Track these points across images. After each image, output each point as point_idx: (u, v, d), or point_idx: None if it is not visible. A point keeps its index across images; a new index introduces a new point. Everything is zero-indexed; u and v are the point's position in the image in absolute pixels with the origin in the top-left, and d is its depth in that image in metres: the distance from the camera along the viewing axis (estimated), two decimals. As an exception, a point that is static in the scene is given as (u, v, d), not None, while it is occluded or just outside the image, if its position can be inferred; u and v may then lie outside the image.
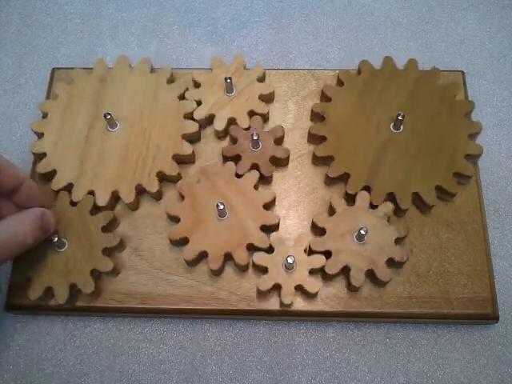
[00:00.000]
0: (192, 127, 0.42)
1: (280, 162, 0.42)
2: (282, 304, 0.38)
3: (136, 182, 0.40)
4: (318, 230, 0.40)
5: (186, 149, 0.42)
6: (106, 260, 0.38)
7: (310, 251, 0.39)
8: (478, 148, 0.41)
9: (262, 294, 0.38)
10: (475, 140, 0.42)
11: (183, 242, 0.39)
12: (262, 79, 0.45)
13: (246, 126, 0.42)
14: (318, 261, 0.38)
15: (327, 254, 0.38)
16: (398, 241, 0.38)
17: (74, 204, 0.40)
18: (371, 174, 0.40)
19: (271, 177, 0.42)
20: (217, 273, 0.39)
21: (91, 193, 0.40)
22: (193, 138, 0.43)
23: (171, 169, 0.41)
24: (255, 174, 0.40)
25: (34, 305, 0.38)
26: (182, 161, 0.42)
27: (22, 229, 0.33)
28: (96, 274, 0.38)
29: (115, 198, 0.41)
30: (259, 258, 0.38)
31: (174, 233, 0.39)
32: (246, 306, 0.39)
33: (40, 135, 0.43)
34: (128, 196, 0.40)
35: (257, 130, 0.42)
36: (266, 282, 0.37)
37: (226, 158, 0.42)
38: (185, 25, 0.53)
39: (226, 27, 0.52)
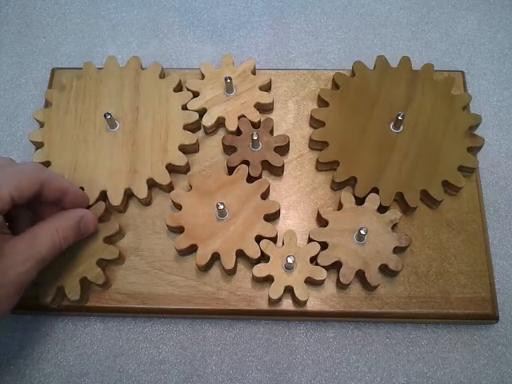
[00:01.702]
0: (192, 117, 0.43)
1: (274, 170, 0.42)
2: (298, 302, 0.38)
3: (147, 176, 0.41)
4: (321, 222, 0.40)
5: (190, 138, 0.42)
6: (98, 271, 0.38)
7: (310, 240, 0.39)
8: (478, 140, 0.41)
9: (274, 301, 0.38)
10: (475, 132, 0.42)
11: (180, 229, 0.39)
12: (266, 88, 0.45)
13: (233, 129, 0.42)
14: (314, 249, 0.38)
15: (325, 246, 0.38)
16: (397, 250, 0.38)
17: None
18: (377, 175, 0.40)
19: (283, 167, 0.42)
20: (202, 269, 0.39)
21: (103, 193, 0.40)
22: (194, 128, 0.43)
23: (179, 159, 0.41)
24: (266, 183, 0.40)
25: (35, 305, 0.38)
26: (187, 151, 0.43)
27: (58, 235, 0.33)
28: (85, 282, 0.38)
29: (127, 195, 0.41)
30: (258, 270, 0.38)
31: (172, 220, 0.39)
32: (246, 305, 0.39)
33: (39, 145, 0.42)
34: (142, 192, 0.40)
35: (264, 132, 0.42)
36: (277, 289, 0.37)
37: (224, 147, 0.42)
38: (185, 25, 0.53)
39: (226, 27, 0.52)
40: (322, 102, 0.44)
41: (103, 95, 0.44)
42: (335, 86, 0.45)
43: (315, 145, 0.43)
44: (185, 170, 0.42)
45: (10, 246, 0.31)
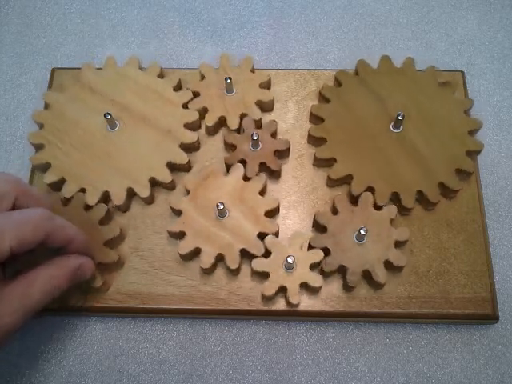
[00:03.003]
0: (192, 116, 0.43)
1: (282, 154, 0.42)
2: (289, 304, 0.38)
3: (149, 175, 0.41)
4: (318, 228, 0.40)
5: (191, 137, 0.42)
6: (96, 276, 0.37)
7: (310, 247, 0.39)
8: (478, 144, 0.41)
9: (267, 298, 0.38)
10: (475, 136, 0.42)
11: (181, 236, 0.39)
12: (266, 86, 0.45)
13: (235, 128, 0.42)
14: (317, 256, 0.38)
15: (326, 252, 0.38)
16: (399, 244, 0.38)
17: (87, 207, 0.40)
18: (374, 174, 0.40)
19: (280, 171, 0.42)
20: (208, 272, 0.39)
21: (106, 193, 0.40)
22: (194, 126, 0.43)
23: (181, 157, 0.41)
24: (263, 179, 0.40)
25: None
26: (188, 149, 0.43)
27: (52, 284, 0.32)
28: (83, 284, 0.38)
29: (130, 195, 0.41)
30: (258, 264, 0.38)
31: (173, 226, 0.39)
32: (246, 305, 0.39)
33: (39, 146, 0.42)
34: (143, 191, 0.40)
35: (250, 130, 0.42)
36: (271, 287, 0.37)
37: (226, 144, 0.42)
38: (185, 25, 0.53)
39: (226, 27, 0.52)
40: (323, 99, 0.44)
41: (103, 96, 0.44)
42: (337, 83, 0.45)
43: (313, 140, 0.43)
44: (186, 168, 0.42)
45: (0, 294, 0.30)
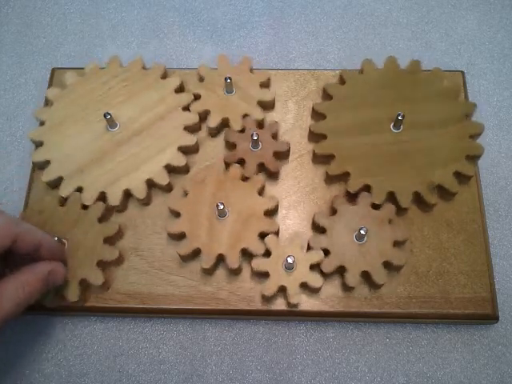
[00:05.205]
0: (192, 118, 0.43)
1: (282, 156, 0.42)
2: (289, 304, 0.38)
3: (146, 176, 0.41)
4: (318, 228, 0.40)
5: (190, 140, 0.42)
6: (97, 273, 0.38)
7: (309, 248, 0.39)
8: (478, 148, 0.41)
9: (267, 298, 0.38)
10: (476, 140, 0.42)
11: (180, 237, 0.39)
12: (265, 84, 0.45)
13: (238, 128, 0.42)
14: (317, 256, 0.38)
15: (326, 252, 0.38)
16: (398, 244, 0.38)
17: (85, 207, 0.40)
18: (371, 173, 0.40)
19: (278, 173, 0.42)
20: (208, 272, 0.39)
21: (102, 194, 0.40)
22: (194, 129, 0.43)
23: (178, 160, 0.41)
24: (261, 179, 0.40)
25: (34, 305, 0.38)
26: (188, 152, 0.43)
27: (24, 292, 0.32)
28: (84, 284, 0.38)
29: (127, 196, 0.41)
30: (258, 263, 0.38)
31: (173, 227, 0.39)
32: (246, 305, 0.38)
33: (39, 143, 0.42)
34: (140, 192, 0.40)
35: (251, 130, 0.42)
36: (270, 287, 0.37)
37: (228, 165, 0.42)
38: (185, 25, 0.53)
39: (226, 27, 0.52)
40: (327, 96, 0.44)
41: (103, 95, 0.44)
42: (342, 81, 0.45)
43: (314, 137, 0.43)
44: (184, 170, 0.42)
45: None
